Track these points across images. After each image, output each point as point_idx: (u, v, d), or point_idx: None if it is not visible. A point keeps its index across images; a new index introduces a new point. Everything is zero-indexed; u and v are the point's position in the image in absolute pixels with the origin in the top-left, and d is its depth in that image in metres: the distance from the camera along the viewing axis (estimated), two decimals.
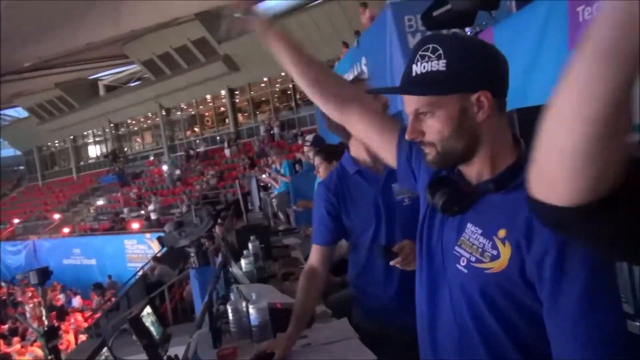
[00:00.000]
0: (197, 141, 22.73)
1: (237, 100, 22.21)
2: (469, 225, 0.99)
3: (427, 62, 0.94)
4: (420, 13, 3.55)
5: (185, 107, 23.89)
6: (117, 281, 14.97)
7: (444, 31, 5.37)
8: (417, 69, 0.96)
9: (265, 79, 21.01)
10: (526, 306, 0.91)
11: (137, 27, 18.95)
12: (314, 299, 1.83)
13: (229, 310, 1.86)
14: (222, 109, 22.62)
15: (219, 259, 3.65)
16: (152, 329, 1.68)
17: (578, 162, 0.50)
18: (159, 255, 10.63)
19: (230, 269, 2.73)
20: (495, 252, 0.93)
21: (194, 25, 19.33)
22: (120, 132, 26.98)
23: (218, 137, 22.02)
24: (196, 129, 23.64)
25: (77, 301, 14.84)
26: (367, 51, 7.80)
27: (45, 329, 2.36)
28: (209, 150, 21.48)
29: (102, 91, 26.36)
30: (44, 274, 2.72)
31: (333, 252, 1.87)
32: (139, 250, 16.87)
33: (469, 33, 2.86)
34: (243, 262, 2.84)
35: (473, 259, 0.96)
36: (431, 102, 0.95)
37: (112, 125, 26.56)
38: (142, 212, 18.96)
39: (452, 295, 1.01)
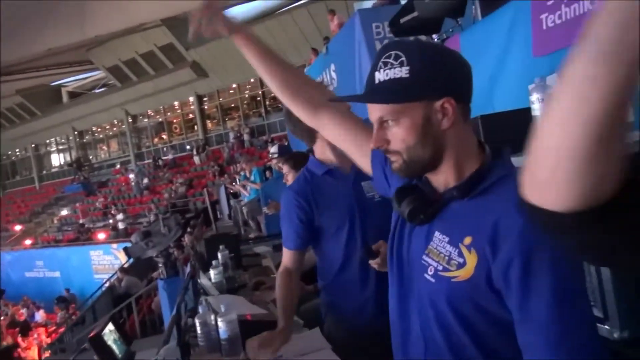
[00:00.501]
0: (165, 149, 22.36)
1: (205, 107, 21.97)
2: (436, 233, 0.97)
3: (389, 69, 0.92)
4: (388, 20, 3.57)
5: (152, 114, 23.49)
6: (75, 294, 14.56)
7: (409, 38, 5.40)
8: (379, 76, 0.94)
9: (234, 86, 20.87)
10: (494, 314, 0.89)
11: (102, 32, 18.56)
12: (295, 292, 1.81)
13: (197, 324, 1.80)
14: (191, 115, 22.34)
15: (188, 269, 3.57)
16: (114, 347, 1.60)
17: (575, 165, 0.49)
18: (126, 266, 10.37)
19: (198, 279, 2.67)
20: (461, 260, 0.91)
21: (160, 31, 19.06)
22: (85, 140, 26.32)
23: (187, 145, 21.72)
24: (164, 136, 23.26)
25: (40, 315, 14.30)
26: (336, 58, 7.83)
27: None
28: (177, 157, 21.16)
29: (65, 98, 25.68)
30: None
31: (304, 257, 1.86)
32: (105, 261, 16.44)
33: (436, 40, 2.88)
34: (212, 272, 2.77)
35: (440, 267, 0.95)
36: (395, 110, 0.93)
37: (76, 133, 25.89)
38: (111, 221, 18.50)
39: (421, 306, 0.99)
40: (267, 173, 8.43)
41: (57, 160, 27.74)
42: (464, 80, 0.95)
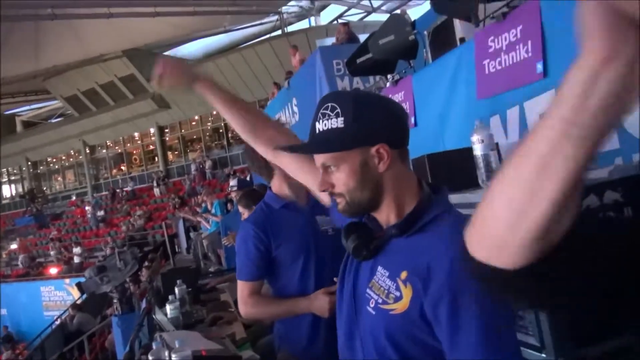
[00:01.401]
0: (124, 180, 21.89)
1: (167, 139, 21.76)
2: (379, 268, 1.03)
3: (327, 120, 1.01)
4: (348, 58, 3.71)
5: (111, 144, 23.05)
6: (13, 333, 13.82)
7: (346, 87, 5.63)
8: (319, 126, 1.02)
9: (196, 117, 20.81)
10: (428, 344, 0.95)
11: (58, 62, 18.29)
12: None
13: None
14: (151, 147, 22.04)
15: (144, 305, 3.49)
16: None
17: (535, 230, 0.51)
18: (78, 302, 9.96)
19: (154, 315, 2.63)
20: (398, 294, 0.97)
21: (121, 62, 18.94)
22: (39, 171, 25.48)
23: (147, 176, 21.34)
24: (123, 168, 22.80)
25: None
26: (298, 92, 7.99)
27: None
28: (137, 189, 20.72)
29: (19, 127, 24.91)
30: None
31: (260, 288, 1.88)
32: (57, 297, 15.73)
33: (390, 80, 3.02)
34: (168, 307, 2.73)
35: (380, 300, 1.00)
36: (335, 157, 1.01)
37: (29, 163, 25.04)
38: (64, 255, 17.79)
39: (363, 336, 1.04)
40: (229, 205, 8.39)
41: (8, 191, 26.65)
42: (396, 126, 1.04)
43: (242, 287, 1.85)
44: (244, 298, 1.84)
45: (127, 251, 6.15)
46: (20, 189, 25.45)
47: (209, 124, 20.96)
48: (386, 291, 1.00)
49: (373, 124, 1.00)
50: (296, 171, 1.33)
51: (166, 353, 1.79)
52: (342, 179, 1.01)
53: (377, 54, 2.73)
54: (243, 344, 2.33)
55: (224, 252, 6.42)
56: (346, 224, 1.09)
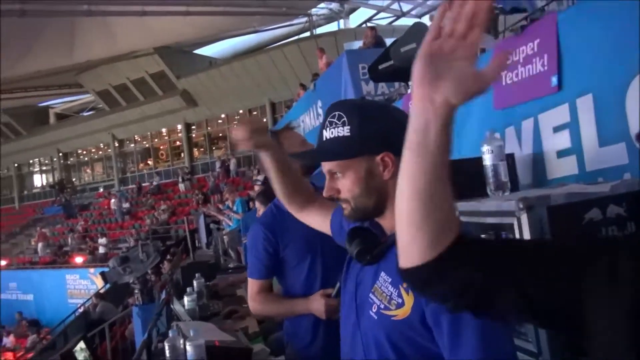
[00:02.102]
0: (150, 174, 22.32)
1: (193, 135, 22.11)
2: (382, 273, 1.06)
3: (334, 128, 1.06)
4: (370, 64, 3.76)
5: (139, 139, 23.53)
6: (27, 318, 14.23)
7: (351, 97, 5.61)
8: (326, 134, 1.07)
9: (222, 116, 21.10)
10: (428, 349, 0.98)
11: (91, 57, 18.77)
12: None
13: (166, 347, 1.87)
14: (178, 143, 22.43)
15: (163, 296, 3.61)
16: None
17: (414, 226, 0.67)
18: (101, 291, 10.23)
19: (172, 306, 2.73)
20: (400, 301, 1.00)
21: (152, 59, 19.34)
22: (69, 162, 26.17)
23: (172, 171, 21.72)
24: (150, 162, 23.24)
25: (9, 340, 13.91)
26: (323, 95, 8.04)
27: None
28: (162, 184, 21.10)
29: (52, 119, 25.64)
30: None
31: (269, 288, 1.95)
32: (81, 285, 16.14)
33: (410, 87, 3.06)
34: (186, 299, 2.84)
35: (382, 306, 1.03)
36: (341, 165, 1.06)
37: (60, 154, 25.75)
38: (89, 245, 18.25)
39: (366, 339, 1.07)
40: (251, 204, 8.51)
41: (39, 181, 27.45)
42: (401, 135, 1.08)
43: (252, 285, 1.93)
44: (253, 295, 1.93)
45: (150, 244, 6.30)
46: (50, 179, 26.17)
47: (235, 122, 21.20)
48: (388, 297, 1.03)
49: (378, 133, 1.04)
50: (322, 223, 1.43)
51: (181, 341, 1.89)
52: (348, 185, 1.06)
53: (399, 61, 2.78)
54: (255, 338, 2.41)
55: (243, 249, 6.53)
56: (350, 228, 1.14)
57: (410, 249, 0.69)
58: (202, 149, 22.02)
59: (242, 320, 2.71)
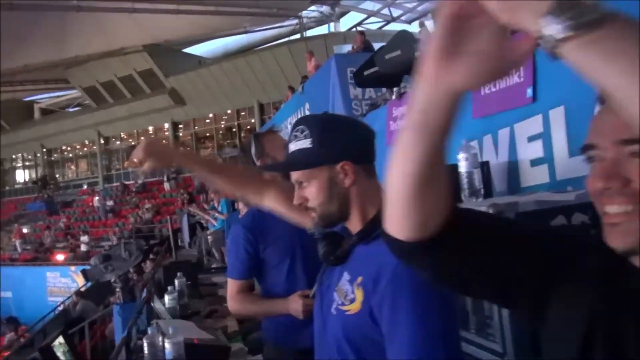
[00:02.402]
0: (136, 173, 22.14)
1: (180, 134, 22.01)
2: (344, 273, 1.15)
3: (298, 140, 1.15)
4: (356, 69, 3.81)
5: (125, 137, 23.36)
6: (5, 315, 13.99)
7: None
8: (292, 147, 1.17)
9: (210, 115, 21.04)
10: (378, 342, 1.06)
11: (81, 52, 18.62)
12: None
13: (145, 345, 1.89)
14: (165, 141, 22.29)
15: (144, 294, 3.62)
16: (63, 359, 1.68)
17: (405, 205, 0.65)
18: (82, 289, 10.14)
19: (153, 304, 2.75)
20: (353, 296, 1.09)
21: (141, 56, 19.24)
22: (52, 158, 25.87)
23: (158, 170, 21.57)
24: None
25: None
26: (311, 97, 8.08)
27: None
28: (147, 182, 20.96)
29: (37, 114, 25.33)
30: None
31: (249, 288, 1.98)
32: (61, 283, 15.97)
33: (394, 93, 3.12)
34: (167, 298, 2.85)
35: (340, 302, 1.13)
36: (305, 174, 1.15)
37: (44, 150, 25.44)
38: (71, 242, 18.05)
39: (328, 340, 1.16)
40: (236, 204, 8.50)
41: (22, 176, 27.09)
42: (361, 144, 1.18)
43: (231, 285, 1.95)
44: (232, 295, 1.95)
45: (133, 242, 6.29)
46: (33, 175, 25.85)
47: (223, 122, 21.18)
48: (345, 294, 1.12)
49: (337, 144, 1.13)
50: (284, 212, 1.50)
51: (160, 338, 1.91)
52: (313, 193, 1.15)
53: (383, 68, 2.83)
54: (235, 337, 2.44)
55: (226, 249, 6.54)
56: (324, 233, 1.22)
57: (401, 224, 0.68)
58: (188, 148, 21.91)
59: (222, 319, 2.73)
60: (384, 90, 4.94)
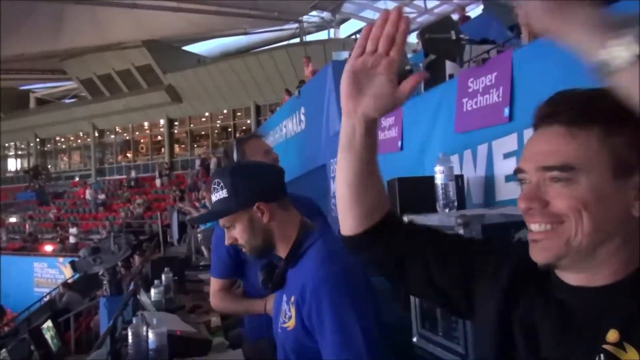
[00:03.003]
0: (129, 167, 22.15)
1: (175, 131, 22.03)
2: (284, 295, 1.36)
3: (217, 192, 1.35)
4: None
5: (120, 131, 23.35)
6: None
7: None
8: (213, 198, 1.37)
9: (206, 114, 21.09)
10: (314, 349, 1.24)
11: (77, 45, 18.62)
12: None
13: (129, 333, 1.97)
14: (159, 137, 22.32)
15: (131, 287, 3.68)
16: (50, 342, 1.76)
17: (350, 204, 0.85)
18: (69, 281, 10.14)
19: (139, 297, 2.82)
20: (290, 314, 1.30)
21: (140, 51, 19.27)
22: (46, 149, 25.78)
23: (151, 166, 21.59)
24: (129, 155, 23.06)
25: None
26: (307, 102, 8.15)
27: None
28: (140, 177, 20.96)
29: (32, 103, 25.26)
30: None
31: (229, 287, 2.07)
32: (48, 274, 15.91)
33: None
34: (153, 291, 2.92)
35: (282, 321, 1.33)
36: (229, 219, 1.36)
37: (38, 140, 25.36)
38: (60, 233, 17.99)
39: (280, 351, 1.38)
40: None
41: (13, 165, 26.97)
42: (269, 186, 1.39)
43: (213, 283, 2.07)
44: (214, 292, 2.07)
45: (123, 236, 6.34)
46: (25, 164, 25.74)
47: (219, 121, 21.23)
48: (284, 313, 1.32)
49: (249, 190, 1.34)
50: None
51: (144, 328, 1.98)
52: (239, 233, 1.35)
53: None
54: (217, 332, 2.52)
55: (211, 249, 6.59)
56: (262, 264, 1.46)
57: (345, 223, 0.87)
58: (183, 146, 21.96)
59: (205, 314, 2.81)
60: None
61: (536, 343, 0.71)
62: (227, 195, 1.33)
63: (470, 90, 2.21)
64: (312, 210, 2.13)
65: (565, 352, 0.67)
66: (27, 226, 19.16)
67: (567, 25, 0.57)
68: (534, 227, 0.69)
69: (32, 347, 1.59)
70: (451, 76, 2.68)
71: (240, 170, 1.40)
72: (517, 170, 0.73)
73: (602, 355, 0.63)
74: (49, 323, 1.84)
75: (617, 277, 0.67)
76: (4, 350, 1.16)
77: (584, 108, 0.66)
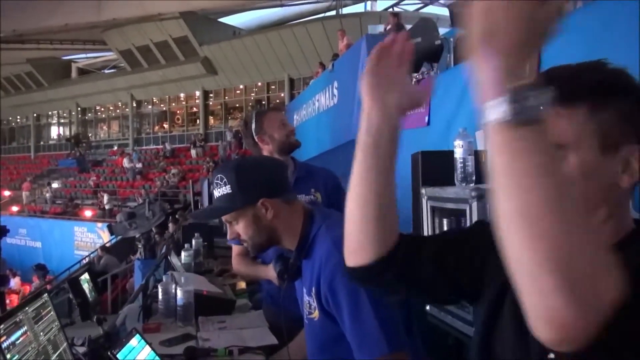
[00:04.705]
0: (165, 137, 22.62)
1: (210, 103, 22.30)
2: (304, 288, 1.36)
3: (220, 188, 1.32)
4: None
5: (157, 102, 23.80)
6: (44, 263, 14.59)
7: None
8: (215, 193, 1.34)
9: (241, 87, 21.23)
10: (342, 335, 1.23)
11: (118, 16, 18.93)
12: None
13: (160, 291, 2.10)
14: (194, 109, 22.65)
15: (163, 250, 3.86)
16: (87, 291, 1.90)
17: (368, 226, 0.77)
18: (107, 245, 10.58)
19: (170, 259, 2.97)
20: (313, 305, 1.29)
21: (177, 23, 19.44)
22: (86, 117, 26.56)
23: (186, 137, 22.00)
24: (165, 126, 23.54)
25: (15, 282, 14.42)
26: (340, 76, 8.14)
27: None
28: (175, 148, 21.41)
29: (74, 73, 25.96)
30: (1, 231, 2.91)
31: (247, 251, 2.17)
32: (88, 238, 16.60)
33: (415, 78, 3.22)
34: (183, 254, 3.07)
35: (307, 312, 1.34)
36: (232, 215, 1.34)
37: (79, 109, 26.13)
38: (99, 200, 18.68)
39: (309, 341, 1.38)
40: None
41: (56, 132, 27.93)
42: (273, 182, 1.36)
43: (234, 248, 2.19)
44: (234, 256, 2.19)
45: (157, 204, 6.57)
46: (67, 132, 26.62)
47: (252, 94, 21.35)
48: (308, 304, 1.32)
49: (253, 185, 1.32)
50: None
51: (173, 286, 2.11)
52: (242, 229, 1.34)
53: None
54: (241, 294, 2.64)
55: None
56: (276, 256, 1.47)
57: (364, 246, 0.78)
58: (217, 118, 22.24)
59: (232, 278, 2.94)
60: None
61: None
62: (230, 191, 1.30)
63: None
64: (332, 183, 2.19)
65: None
66: (73, 192, 19.92)
67: (475, 64, 0.56)
68: None
69: (70, 296, 1.73)
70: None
71: (244, 166, 1.38)
72: None
73: None
74: (86, 275, 1.98)
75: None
76: (45, 294, 1.26)
77: (568, 86, 0.66)
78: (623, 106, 0.67)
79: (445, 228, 1.74)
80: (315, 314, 1.28)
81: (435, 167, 1.97)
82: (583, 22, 2.04)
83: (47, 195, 20.46)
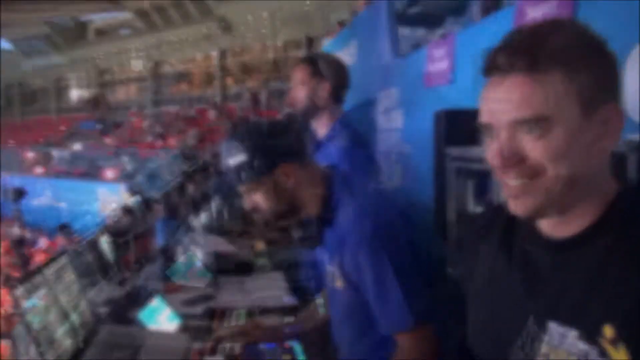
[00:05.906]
0: (183, 99, 22.59)
1: (227, 62, 22.08)
2: (327, 257, 1.32)
3: (234, 156, 1.23)
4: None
5: (174, 63, 23.65)
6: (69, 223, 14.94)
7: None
8: (231, 162, 1.24)
9: (258, 46, 20.92)
10: (366, 304, 1.22)
11: None
12: None
13: (179, 250, 2.11)
14: (212, 70, 22.48)
15: (185, 212, 3.89)
16: (107, 252, 1.92)
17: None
18: (129, 205, 10.74)
19: (190, 220, 2.98)
20: (338, 274, 1.26)
21: None
22: (105, 79, 26.59)
23: (204, 98, 21.93)
24: (183, 87, 23.46)
25: (43, 242, 14.85)
26: (359, 35, 7.92)
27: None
28: (195, 109, 21.38)
29: (91, 35, 25.84)
30: (20, 193, 2.96)
31: None
32: (110, 199, 16.90)
33: (438, 35, 3.09)
34: (203, 215, 3.08)
35: (331, 281, 1.31)
36: (252, 185, 1.25)
37: (97, 70, 26.14)
38: (120, 161, 18.92)
39: (334, 309, 1.39)
40: None
41: (76, 95, 28.10)
42: (292, 145, 1.28)
43: None
44: None
45: (176, 165, 6.59)
46: (86, 94, 26.76)
47: (270, 54, 21.04)
48: (332, 274, 1.29)
49: (270, 152, 1.23)
50: None
51: (193, 247, 2.12)
52: (262, 199, 1.25)
53: (426, 7, 2.80)
54: (261, 256, 2.65)
55: None
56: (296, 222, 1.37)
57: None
58: (236, 79, 22.04)
59: (252, 239, 2.95)
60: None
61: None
62: (246, 159, 1.21)
63: (528, 19, 2.07)
64: (357, 140, 2.13)
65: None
66: (95, 153, 20.18)
67: None
68: (512, 182, 0.67)
69: (90, 258, 1.74)
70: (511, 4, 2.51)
71: (259, 130, 1.28)
72: (483, 126, 0.69)
73: None
74: (106, 237, 1.99)
75: (595, 212, 0.67)
76: (65, 256, 1.26)
77: (542, 51, 0.63)
78: (596, 64, 0.64)
79: (470, 192, 1.67)
80: (339, 283, 1.25)
81: (460, 126, 1.88)
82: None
83: (70, 157, 20.78)
